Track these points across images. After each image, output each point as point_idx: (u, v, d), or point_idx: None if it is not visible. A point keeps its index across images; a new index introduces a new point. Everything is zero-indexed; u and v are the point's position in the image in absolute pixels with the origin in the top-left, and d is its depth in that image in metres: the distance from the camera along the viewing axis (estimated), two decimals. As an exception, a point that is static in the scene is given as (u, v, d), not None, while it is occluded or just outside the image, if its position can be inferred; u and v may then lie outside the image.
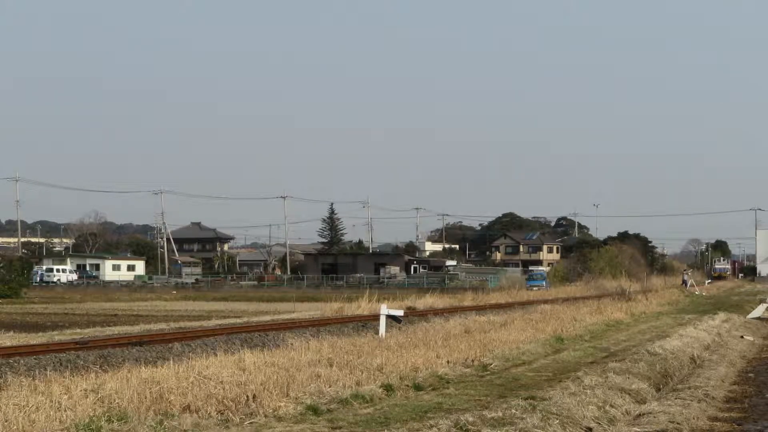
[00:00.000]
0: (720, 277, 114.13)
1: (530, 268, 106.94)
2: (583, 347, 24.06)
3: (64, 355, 18.76)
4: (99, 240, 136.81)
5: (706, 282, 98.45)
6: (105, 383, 13.09)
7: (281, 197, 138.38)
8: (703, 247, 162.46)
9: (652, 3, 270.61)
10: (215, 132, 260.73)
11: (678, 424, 12.39)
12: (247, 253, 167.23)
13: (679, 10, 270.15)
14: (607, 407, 13.50)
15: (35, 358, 18.01)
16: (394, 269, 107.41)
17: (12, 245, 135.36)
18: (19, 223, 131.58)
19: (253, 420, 12.05)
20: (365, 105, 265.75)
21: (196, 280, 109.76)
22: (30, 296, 70.45)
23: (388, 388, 14.90)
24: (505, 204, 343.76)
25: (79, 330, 27.38)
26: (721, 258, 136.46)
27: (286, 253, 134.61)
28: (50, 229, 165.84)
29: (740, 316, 38.18)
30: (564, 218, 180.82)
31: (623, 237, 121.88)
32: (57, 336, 23.73)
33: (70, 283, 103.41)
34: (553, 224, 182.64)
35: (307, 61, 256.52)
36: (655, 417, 12.77)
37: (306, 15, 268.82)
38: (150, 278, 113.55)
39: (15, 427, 10.56)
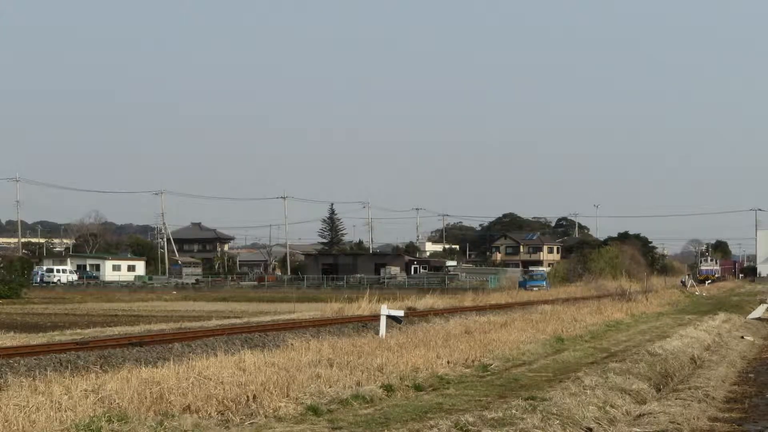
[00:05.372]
0: (707, 279, 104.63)
1: (530, 269, 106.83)
2: (584, 347, 24.05)
3: (65, 355, 18.75)
4: (99, 240, 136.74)
5: (707, 283, 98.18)
6: (105, 384, 13.09)
7: (281, 197, 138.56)
8: (704, 247, 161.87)
9: (655, 3, 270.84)
10: (215, 132, 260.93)
11: (678, 424, 12.39)
12: (248, 253, 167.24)
13: (677, 11, 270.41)
14: (608, 407, 13.50)
15: (35, 359, 18.00)
16: (395, 269, 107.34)
17: (12, 245, 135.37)
18: (19, 223, 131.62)
19: (253, 420, 12.05)
20: (365, 105, 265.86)
21: (197, 280, 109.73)
22: (30, 296, 70.47)
23: (389, 389, 14.90)
24: (505, 204, 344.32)
25: (79, 330, 27.37)
26: (709, 259, 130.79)
27: (286, 254, 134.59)
28: (50, 229, 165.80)
29: (740, 317, 38.17)
30: (564, 218, 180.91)
31: (623, 237, 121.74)
32: (57, 336, 23.73)
33: (71, 283, 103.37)
34: (553, 224, 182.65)
35: (308, 63, 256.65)
36: (655, 417, 12.77)
37: (305, 16, 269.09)
38: (150, 278, 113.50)
39: (15, 427, 10.56)
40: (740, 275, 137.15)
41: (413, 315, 31.56)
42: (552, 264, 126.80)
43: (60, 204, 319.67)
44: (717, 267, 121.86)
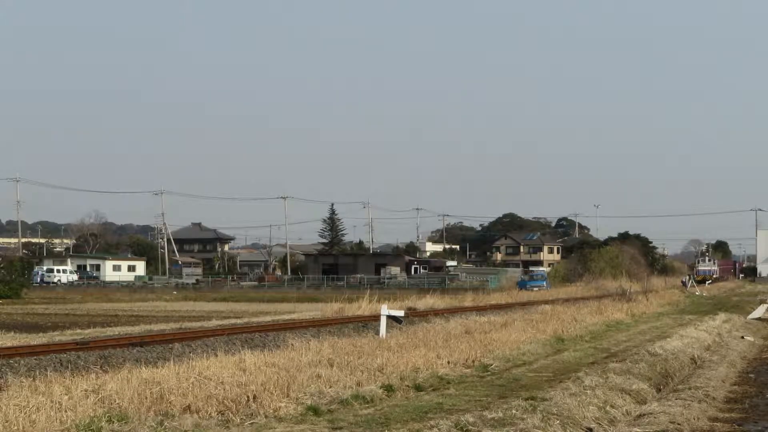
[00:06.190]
0: (704, 280, 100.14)
1: (531, 269, 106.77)
2: (584, 348, 24.06)
3: (65, 355, 18.75)
4: (99, 240, 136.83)
5: (707, 283, 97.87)
6: (105, 384, 13.09)
7: (281, 197, 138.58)
8: (704, 247, 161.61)
9: (654, 4, 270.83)
10: (215, 132, 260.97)
11: (678, 424, 12.38)
12: (248, 253, 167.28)
13: (677, 11, 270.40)
14: (608, 408, 13.50)
15: (36, 359, 18.00)
16: (395, 270, 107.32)
17: (12, 246, 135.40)
18: (19, 223, 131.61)
19: (253, 420, 12.05)
20: (366, 105, 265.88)
21: (197, 280, 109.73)
22: (30, 297, 70.44)
23: (389, 389, 14.90)
24: (506, 204, 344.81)
25: (79, 330, 27.38)
26: (707, 259, 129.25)
27: (286, 254, 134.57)
28: (51, 229, 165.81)
29: (741, 317, 38.16)
30: (564, 219, 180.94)
31: (624, 237, 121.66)
32: (57, 336, 23.73)
33: (71, 283, 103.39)
34: (553, 225, 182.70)
35: (308, 63, 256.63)
36: (655, 417, 12.77)
37: (306, 16, 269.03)
38: (150, 279, 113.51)
39: (15, 427, 10.56)
40: (740, 275, 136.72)
41: (413, 315, 31.54)
42: (552, 264, 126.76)
43: (60, 204, 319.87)
44: (715, 267, 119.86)
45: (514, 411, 12.28)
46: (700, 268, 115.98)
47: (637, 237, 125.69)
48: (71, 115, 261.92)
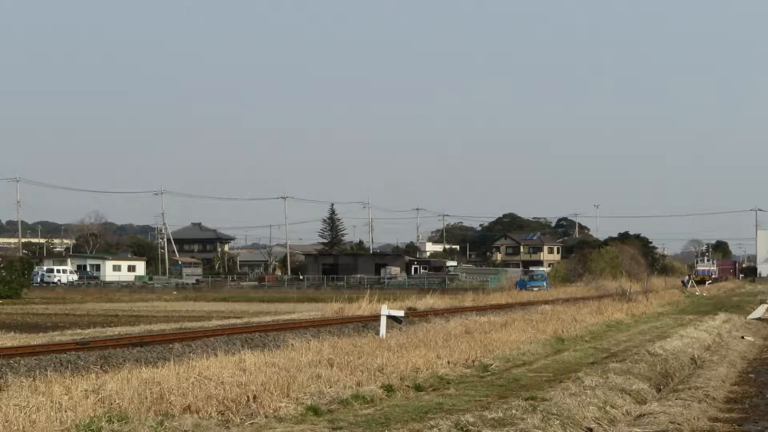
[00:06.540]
0: (703, 281, 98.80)
1: (531, 269, 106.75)
2: (584, 348, 24.06)
3: (65, 355, 18.75)
4: (99, 240, 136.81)
5: (707, 283, 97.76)
6: (105, 384, 13.09)
7: (281, 197, 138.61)
8: (704, 247, 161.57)
9: (654, 3, 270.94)
10: (215, 132, 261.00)
11: (678, 424, 12.38)
12: (248, 253, 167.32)
13: (677, 11, 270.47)
14: (608, 408, 13.51)
15: (36, 359, 18.00)
16: (395, 270, 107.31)
17: (12, 246, 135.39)
18: (19, 223, 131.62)
19: (253, 421, 12.05)
20: (365, 105, 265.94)
21: (197, 280, 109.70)
22: (30, 297, 70.42)
23: (389, 389, 14.90)
24: (506, 204, 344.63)
25: (79, 330, 27.39)
26: (706, 259, 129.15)
27: (286, 254, 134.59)
28: (51, 229, 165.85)
29: (741, 317, 38.17)
30: (564, 219, 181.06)
31: (624, 237, 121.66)
32: (57, 336, 23.74)
33: (71, 283, 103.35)
34: (553, 225, 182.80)
35: (308, 63, 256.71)
36: (655, 417, 12.77)
37: (306, 16, 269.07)
38: (150, 279, 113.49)
39: (15, 427, 10.56)
40: (740, 275, 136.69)
41: (413, 315, 31.54)
42: (552, 264, 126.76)
43: (60, 204, 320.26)
44: (714, 267, 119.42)
45: (514, 411, 12.29)
46: (699, 268, 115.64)
47: (637, 237, 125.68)
48: (71, 115, 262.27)
